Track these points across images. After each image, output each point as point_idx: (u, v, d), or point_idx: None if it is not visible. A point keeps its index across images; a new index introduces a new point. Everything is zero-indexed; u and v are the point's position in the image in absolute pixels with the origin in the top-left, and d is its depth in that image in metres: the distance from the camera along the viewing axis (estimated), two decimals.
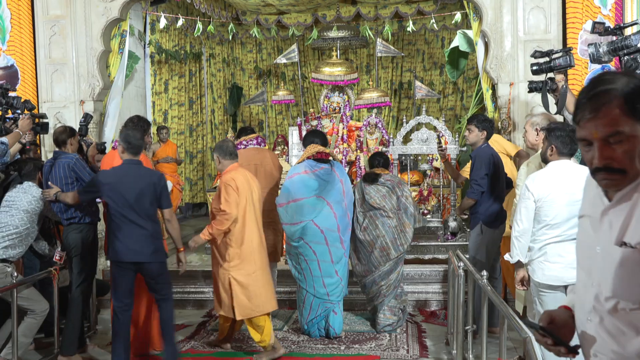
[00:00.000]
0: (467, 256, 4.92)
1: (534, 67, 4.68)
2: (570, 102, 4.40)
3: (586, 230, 1.70)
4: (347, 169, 7.76)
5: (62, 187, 4.74)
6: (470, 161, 5.13)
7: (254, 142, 5.84)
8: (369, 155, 6.65)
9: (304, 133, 8.28)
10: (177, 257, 4.59)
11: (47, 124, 5.74)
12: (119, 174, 4.31)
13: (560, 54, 4.58)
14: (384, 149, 7.10)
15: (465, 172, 5.85)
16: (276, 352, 4.79)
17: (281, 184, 6.36)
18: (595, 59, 4.09)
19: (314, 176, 5.19)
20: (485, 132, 5.02)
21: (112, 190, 4.25)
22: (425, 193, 7.52)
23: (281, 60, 9.82)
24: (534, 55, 4.74)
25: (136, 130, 4.52)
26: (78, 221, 4.81)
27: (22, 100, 5.57)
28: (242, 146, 5.82)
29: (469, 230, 6.52)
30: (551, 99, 4.84)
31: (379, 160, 5.67)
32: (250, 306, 4.63)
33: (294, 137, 8.62)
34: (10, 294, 4.22)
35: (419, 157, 8.33)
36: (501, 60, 6.37)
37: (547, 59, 4.64)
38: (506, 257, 3.77)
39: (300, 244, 5.13)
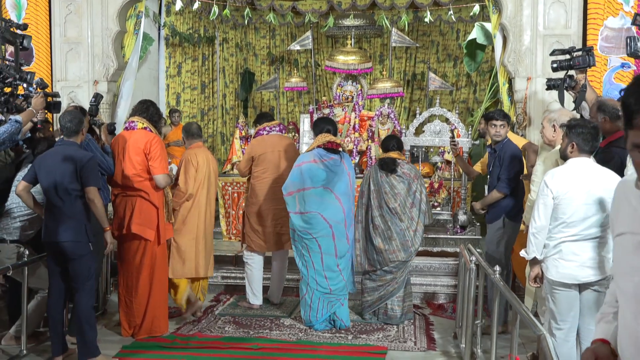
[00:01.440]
0: (479, 250, 4.90)
1: (554, 65, 4.65)
2: (590, 97, 4.35)
3: (627, 250, 1.50)
4: (357, 158, 7.72)
5: None
6: (495, 155, 5.02)
7: (277, 129, 5.80)
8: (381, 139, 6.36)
9: None
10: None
11: (60, 102, 5.72)
12: (48, 155, 4.32)
13: (580, 52, 4.54)
14: None
15: (478, 167, 5.81)
16: (193, 305, 5.39)
17: None
18: (632, 52, 4.05)
19: (323, 166, 5.13)
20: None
21: (41, 171, 4.25)
22: (435, 185, 7.48)
23: (295, 47, 9.75)
24: (553, 54, 4.71)
25: (71, 112, 4.46)
26: None
27: (36, 77, 5.56)
28: (266, 132, 5.75)
29: (478, 224, 6.50)
30: (569, 96, 4.80)
31: (393, 143, 5.40)
32: (182, 268, 5.21)
33: (305, 124, 8.57)
34: (21, 273, 4.24)
35: (431, 149, 8.27)
36: (519, 54, 6.31)
37: (567, 56, 4.60)
38: (522, 253, 3.73)
39: (306, 237, 5.10)
